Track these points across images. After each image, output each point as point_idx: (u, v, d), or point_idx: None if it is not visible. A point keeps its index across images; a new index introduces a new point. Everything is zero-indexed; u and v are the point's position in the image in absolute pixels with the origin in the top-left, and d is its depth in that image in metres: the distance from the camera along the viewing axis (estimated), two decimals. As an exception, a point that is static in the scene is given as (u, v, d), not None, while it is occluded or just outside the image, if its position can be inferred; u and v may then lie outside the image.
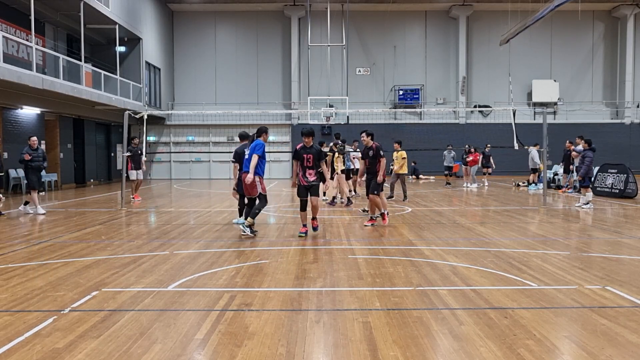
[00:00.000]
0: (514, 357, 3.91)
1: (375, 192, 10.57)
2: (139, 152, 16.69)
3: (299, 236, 9.28)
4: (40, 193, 19.42)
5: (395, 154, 16.29)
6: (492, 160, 23.10)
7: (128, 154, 15.69)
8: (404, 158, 16.29)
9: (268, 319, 4.76)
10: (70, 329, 4.51)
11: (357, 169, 17.89)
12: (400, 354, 3.97)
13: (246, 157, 9.52)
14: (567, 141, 18.63)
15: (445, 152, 24.39)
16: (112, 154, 29.28)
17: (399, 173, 16.41)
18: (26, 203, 13.40)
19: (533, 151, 21.00)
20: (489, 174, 23.40)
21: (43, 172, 20.80)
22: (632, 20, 32.70)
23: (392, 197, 16.25)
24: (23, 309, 5.10)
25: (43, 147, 21.85)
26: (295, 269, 6.82)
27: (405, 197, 16.22)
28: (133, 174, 16.53)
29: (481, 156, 22.95)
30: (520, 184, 22.72)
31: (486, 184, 23.15)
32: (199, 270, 6.73)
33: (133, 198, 15.52)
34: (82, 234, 9.93)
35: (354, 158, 17.64)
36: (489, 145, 22.61)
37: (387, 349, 4.06)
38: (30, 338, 4.30)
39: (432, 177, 29.38)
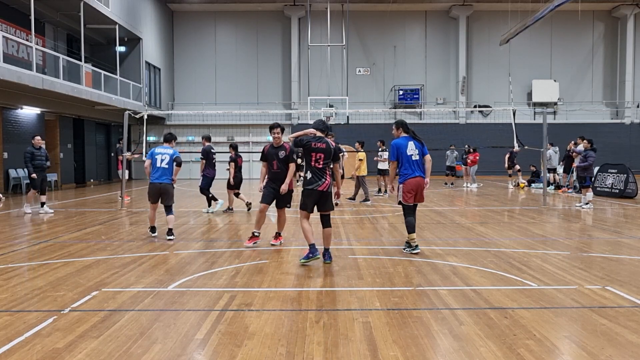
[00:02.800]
0: (514, 357, 3.91)
1: (288, 206, 8.55)
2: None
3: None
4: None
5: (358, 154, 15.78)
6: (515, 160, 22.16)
7: (129, 154, 15.66)
8: (361, 160, 15.68)
9: (268, 319, 4.76)
10: (70, 329, 4.51)
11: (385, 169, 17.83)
12: (400, 354, 3.97)
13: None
14: (571, 142, 18.61)
15: (448, 152, 24.30)
16: (112, 154, 29.28)
17: (358, 175, 15.76)
18: (42, 204, 13.33)
19: (549, 151, 20.31)
20: (518, 173, 22.35)
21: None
22: (632, 20, 32.69)
23: (369, 200, 15.57)
24: (23, 309, 5.10)
25: (43, 147, 21.87)
26: (295, 269, 6.82)
27: (367, 198, 15.53)
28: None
29: (508, 155, 21.91)
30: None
31: (518, 184, 22.03)
32: (199, 270, 6.73)
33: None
34: (82, 234, 9.93)
35: (383, 159, 17.72)
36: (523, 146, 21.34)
37: (387, 349, 4.06)
38: (30, 338, 4.30)
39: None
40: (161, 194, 9.23)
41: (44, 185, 13.33)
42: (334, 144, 7.38)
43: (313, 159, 7.09)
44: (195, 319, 4.80)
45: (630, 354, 3.96)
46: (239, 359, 3.91)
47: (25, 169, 13.57)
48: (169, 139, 9.74)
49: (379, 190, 18.53)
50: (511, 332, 4.42)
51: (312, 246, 7.08)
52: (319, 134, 7.23)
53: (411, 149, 7.83)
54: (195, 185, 25.33)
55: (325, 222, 7.25)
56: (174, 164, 9.31)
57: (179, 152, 9.78)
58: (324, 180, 7.11)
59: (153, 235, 9.41)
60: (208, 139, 13.47)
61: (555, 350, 4.06)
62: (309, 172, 7.16)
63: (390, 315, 4.86)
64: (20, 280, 6.23)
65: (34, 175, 12.95)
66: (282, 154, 8.20)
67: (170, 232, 9.21)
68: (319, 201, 7.16)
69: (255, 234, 8.42)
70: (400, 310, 5.01)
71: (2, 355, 3.95)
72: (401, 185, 7.88)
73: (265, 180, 8.43)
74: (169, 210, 9.32)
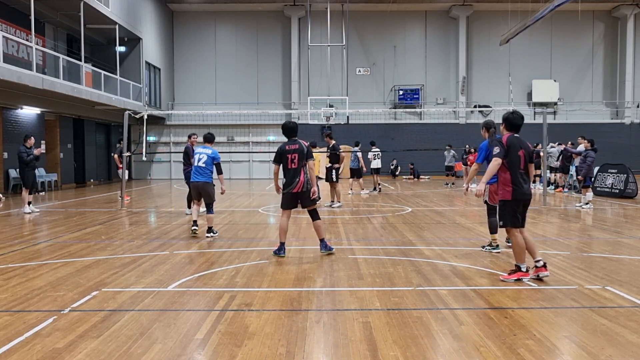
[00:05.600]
0: (514, 357, 3.91)
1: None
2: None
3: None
4: (41, 193, 19.48)
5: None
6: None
7: (128, 154, 15.65)
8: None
9: (268, 319, 4.76)
10: (70, 329, 4.51)
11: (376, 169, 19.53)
12: (400, 354, 3.97)
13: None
14: (569, 142, 18.57)
15: (445, 152, 24.37)
16: (112, 154, 29.27)
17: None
18: (29, 203, 13.37)
19: (555, 149, 20.00)
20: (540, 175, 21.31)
21: (42, 172, 20.94)
22: (632, 20, 32.69)
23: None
24: (23, 309, 5.10)
25: (43, 147, 21.91)
26: (295, 269, 6.82)
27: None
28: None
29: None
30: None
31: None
32: (199, 270, 6.73)
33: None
34: (82, 234, 9.93)
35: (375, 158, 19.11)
36: (539, 145, 19.97)
37: (387, 349, 4.06)
38: (30, 338, 4.30)
39: (427, 177, 29.46)
40: (200, 193, 9.31)
41: (34, 184, 13.82)
42: (306, 143, 7.65)
43: (289, 160, 7.41)
44: (195, 319, 4.80)
45: (630, 354, 3.95)
46: (239, 359, 3.91)
47: (18, 169, 13.81)
48: (210, 139, 9.64)
49: (374, 188, 19.44)
50: (511, 332, 4.42)
51: (281, 244, 7.56)
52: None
53: None
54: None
55: (313, 216, 7.62)
56: (214, 169, 9.27)
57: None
58: (297, 180, 7.42)
59: (193, 228, 9.34)
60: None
61: (555, 350, 4.06)
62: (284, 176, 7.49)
63: (390, 315, 4.85)
64: (20, 280, 6.23)
65: (37, 151, 13.28)
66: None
67: (210, 229, 9.30)
68: (299, 200, 7.54)
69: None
70: (400, 310, 5.01)
71: (2, 355, 3.95)
72: (488, 186, 7.52)
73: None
74: (209, 208, 9.36)
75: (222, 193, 9.57)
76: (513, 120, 6.26)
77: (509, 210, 6.16)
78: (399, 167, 30.65)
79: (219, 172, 9.32)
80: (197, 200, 9.61)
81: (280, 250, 7.57)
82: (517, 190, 6.08)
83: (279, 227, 7.63)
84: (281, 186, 7.72)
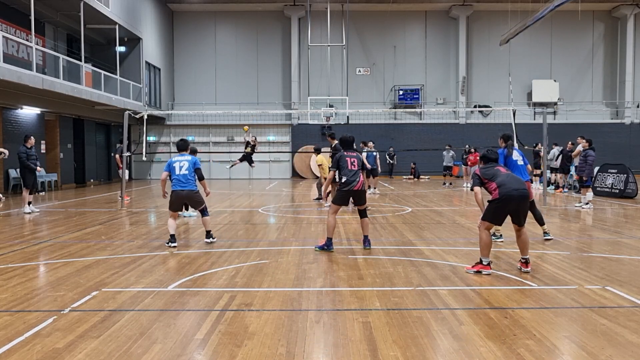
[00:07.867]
0: (514, 357, 3.91)
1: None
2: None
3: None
4: (41, 193, 19.48)
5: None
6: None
7: (128, 153, 15.65)
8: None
9: (268, 319, 4.76)
10: (70, 329, 4.51)
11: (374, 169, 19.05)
12: (400, 354, 3.97)
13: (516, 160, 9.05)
14: (569, 143, 18.57)
15: (444, 152, 24.40)
16: (112, 154, 29.27)
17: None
18: (29, 203, 13.38)
19: (554, 150, 19.92)
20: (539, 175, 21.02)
21: (43, 172, 20.93)
22: (632, 20, 32.68)
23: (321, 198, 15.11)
24: (23, 309, 5.10)
25: (43, 147, 21.93)
26: (295, 269, 6.82)
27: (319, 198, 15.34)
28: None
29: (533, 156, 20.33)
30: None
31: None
32: (199, 270, 6.73)
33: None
34: (82, 234, 9.93)
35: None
36: (539, 145, 19.79)
37: (387, 349, 4.06)
38: (30, 338, 4.30)
39: (427, 177, 29.50)
40: (187, 201, 8.83)
41: (35, 184, 13.78)
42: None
43: (348, 163, 8.12)
44: (195, 319, 4.80)
45: (630, 354, 3.96)
46: (239, 359, 3.91)
47: (19, 169, 13.82)
48: (183, 146, 8.98)
49: (369, 187, 19.33)
50: (511, 332, 4.42)
51: (329, 240, 7.99)
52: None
53: (515, 155, 9.06)
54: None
55: (362, 214, 8.36)
56: (196, 176, 8.61)
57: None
58: (358, 179, 8.16)
59: (173, 245, 8.31)
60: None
61: (555, 350, 4.06)
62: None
63: (390, 315, 4.86)
64: (20, 280, 6.23)
65: (39, 168, 13.50)
66: None
67: (208, 234, 8.74)
68: (354, 198, 8.33)
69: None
70: (400, 310, 5.01)
71: (2, 355, 3.95)
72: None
73: None
74: (203, 212, 8.77)
75: (207, 195, 8.97)
76: (489, 155, 6.95)
77: (490, 208, 6.53)
78: (395, 157, 30.16)
79: (201, 177, 8.64)
80: (176, 211, 8.64)
81: (328, 246, 7.98)
82: (502, 188, 6.39)
83: (327, 224, 8.08)
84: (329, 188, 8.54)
